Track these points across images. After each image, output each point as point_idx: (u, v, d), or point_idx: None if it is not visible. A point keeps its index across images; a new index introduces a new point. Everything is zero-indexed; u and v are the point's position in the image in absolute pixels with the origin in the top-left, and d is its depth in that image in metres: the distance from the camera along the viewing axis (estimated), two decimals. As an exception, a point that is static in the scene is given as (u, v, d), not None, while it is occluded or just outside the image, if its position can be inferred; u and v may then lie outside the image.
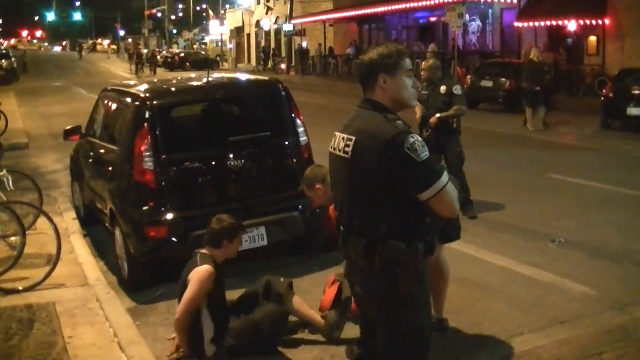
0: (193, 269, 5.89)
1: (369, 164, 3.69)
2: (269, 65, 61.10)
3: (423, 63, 11.12)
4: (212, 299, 5.91)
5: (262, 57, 64.18)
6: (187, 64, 62.82)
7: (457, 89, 10.53)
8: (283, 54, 59.59)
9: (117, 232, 8.20)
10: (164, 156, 7.72)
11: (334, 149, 3.96)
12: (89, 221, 10.32)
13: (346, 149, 3.83)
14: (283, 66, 55.87)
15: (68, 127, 10.73)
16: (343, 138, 3.88)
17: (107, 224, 8.83)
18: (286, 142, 8.44)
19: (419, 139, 3.67)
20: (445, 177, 3.68)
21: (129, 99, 8.57)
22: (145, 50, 71.28)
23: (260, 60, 64.29)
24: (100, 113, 9.92)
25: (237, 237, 6.17)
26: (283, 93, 8.64)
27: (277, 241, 8.21)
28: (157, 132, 7.76)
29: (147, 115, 7.84)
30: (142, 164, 7.66)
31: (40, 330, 6.54)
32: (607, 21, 29.15)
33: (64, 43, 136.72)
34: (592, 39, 30.73)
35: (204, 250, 6.09)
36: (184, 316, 5.79)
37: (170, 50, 76.91)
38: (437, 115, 10.29)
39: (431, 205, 3.71)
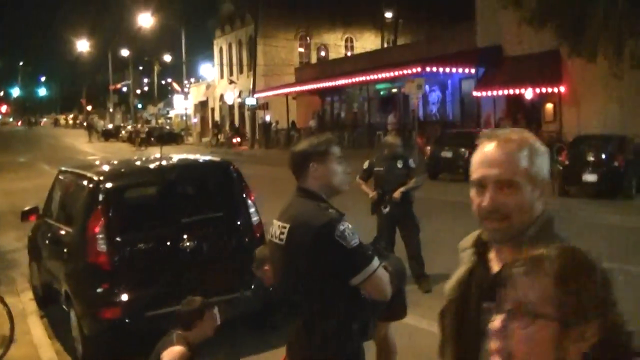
0: (168, 347, 5.88)
1: (302, 251, 3.82)
2: (222, 140, 59.46)
3: (385, 140, 11.41)
4: None
5: (215, 132, 62.63)
6: (152, 139, 60.05)
7: (412, 162, 10.84)
8: (247, 128, 59.38)
9: (72, 314, 8.20)
10: (117, 238, 7.79)
11: (272, 236, 4.09)
12: (48, 301, 10.25)
13: (281, 236, 3.95)
14: (235, 140, 55.47)
15: (26, 209, 10.72)
16: (279, 226, 4.01)
17: (63, 305, 8.82)
18: (238, 222, 8.58)
19: (349, 226, 3.82)
20: (375, 262, 3.83)
21: (83, 182, 8.65)
22: (100, 122, 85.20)
23: (213, 135, 62.32)
24: (56, 194, 9.98)
25: (207, 315, 6.20)
26: (234, 174, 8.81)
27: (230, 319, 8.21)
28: (110, 214, 7.85)
29: (100, 197, 7.94)
30: (96, 246, 7.71)
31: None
32: (562, 89, 29.76)
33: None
34: (549, 106, 31.38)
35: (179, 332, 6.10)
36: None
37: (135, 125, 76.40)
38: (401, 189, 10.50)
39: (363, 289, 3.83)
